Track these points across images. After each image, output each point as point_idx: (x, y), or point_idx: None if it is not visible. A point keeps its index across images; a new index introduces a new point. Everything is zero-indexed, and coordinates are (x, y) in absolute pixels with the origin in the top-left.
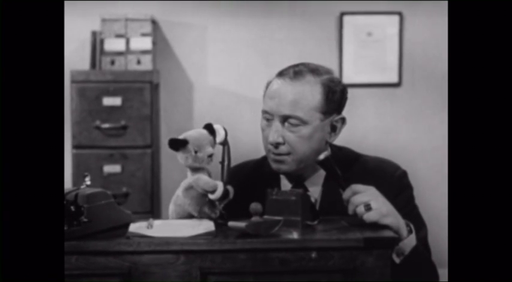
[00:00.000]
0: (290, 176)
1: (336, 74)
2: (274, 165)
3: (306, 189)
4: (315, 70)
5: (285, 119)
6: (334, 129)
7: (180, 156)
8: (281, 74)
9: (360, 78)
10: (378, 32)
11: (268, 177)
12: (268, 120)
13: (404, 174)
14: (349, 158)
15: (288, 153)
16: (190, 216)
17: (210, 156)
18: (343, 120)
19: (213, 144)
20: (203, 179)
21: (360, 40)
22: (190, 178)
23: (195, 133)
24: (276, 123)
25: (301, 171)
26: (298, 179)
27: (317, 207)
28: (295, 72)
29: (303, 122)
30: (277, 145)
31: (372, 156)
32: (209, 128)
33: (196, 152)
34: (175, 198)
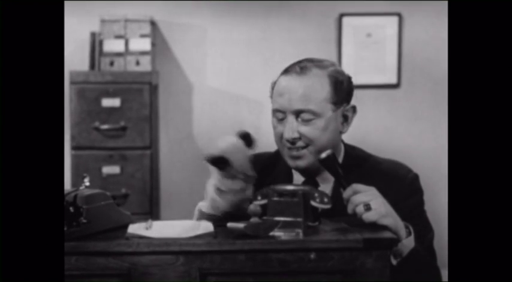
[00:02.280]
0: (303, 171)
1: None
2: (291, 162)
3: (317, 185)
4: (320, 63)
5: (297, 114)
6: (346, 118)
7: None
8: (287, 71)
9: (359, 79)
10: (377, 33)
11: (281, 171)
12: (280, 118)
13: (416, 178)
14: (362, 157)
15: (306, 146)
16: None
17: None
18: (354, 108)
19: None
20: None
21: (359, 41)
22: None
23: (240, 156)
24: (290, 119)
25: (314, 166)
26: (310, 174)
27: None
28: (301, 67)
29: (316, 115)
30: (293, 141)
31: (384, 158)
32: (246, 138)
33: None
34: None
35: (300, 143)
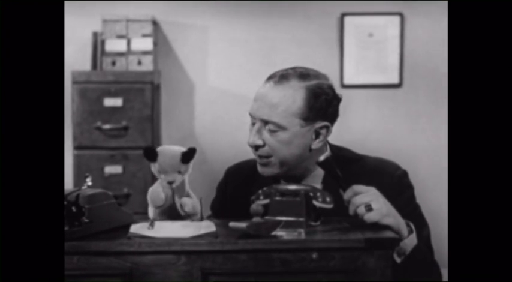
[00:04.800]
0: (286, 177)
1: (335, 79)
2: (259, 169)
3: None
4: (303, 74)
5: (265, 122)
6: (318, 135)
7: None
8: (269, 77)
9: (360, 79)
10: (379, 32)
11: (267, 176)
12: (252, 122)
13: (404, 174)
14: (349, 158)
15: (270, 156)
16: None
17: (170, 183)
18: (328, 128)
19: (183, 169)
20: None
21: (361, 41)
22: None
23: (168, 156)
24: (256, 126)
25: (293, 172)
26: (294, 179)
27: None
28: (282, 76)
29: (281, 128)
30: (256, 147)
31: (372, 157)
32: (188, 155)
33: (160, 171)
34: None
35: (263, 151)
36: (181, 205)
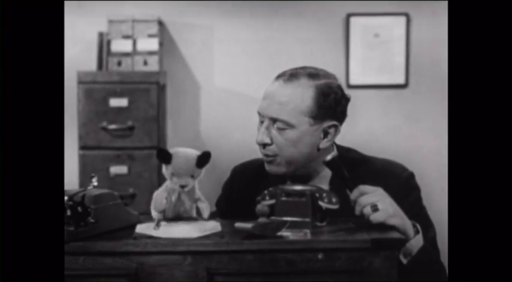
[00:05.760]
0: (293, 178)
1: (341, 79)
2: (266, 167)
3: None
4: (313, 74)
5: (273, 121)
6: (326, 135)
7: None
8: (279, 76)
9: (366, 79)
10: (385, 33)
11: (273, 176)
12: (260, 120)
13: (411, 176)
14: (356, 159)
15: (276, 155)
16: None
17: (183, 186)
18: (336, 127)
19: (196, 174)
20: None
21: (367, 41)
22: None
23: (182, 159)
24: (265, 124)
25: (301, 172)
26: (301, 180)
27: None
28: (291, 74)
29: (289, 125)
30: (264, 146)
31: (379, 158)
32: (203, 159)
33: (173, 174)
34: None
35: (270, 149)
36: (197, 210)
